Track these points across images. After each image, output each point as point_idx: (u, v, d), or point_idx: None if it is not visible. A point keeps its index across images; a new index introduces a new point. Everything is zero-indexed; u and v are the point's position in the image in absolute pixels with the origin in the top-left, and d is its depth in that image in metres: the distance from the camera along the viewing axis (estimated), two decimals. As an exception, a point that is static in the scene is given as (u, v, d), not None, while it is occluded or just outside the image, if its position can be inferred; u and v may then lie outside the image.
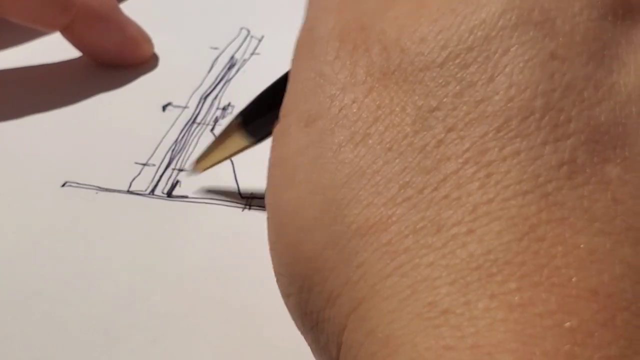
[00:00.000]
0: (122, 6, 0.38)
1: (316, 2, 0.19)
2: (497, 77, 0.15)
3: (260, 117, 0.25)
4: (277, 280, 0.18)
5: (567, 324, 0.13)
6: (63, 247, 0.27)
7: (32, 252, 0.27)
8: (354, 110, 0.16)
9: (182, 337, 0.24)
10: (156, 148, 0.32)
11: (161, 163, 0.31)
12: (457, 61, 0.16)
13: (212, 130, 0.33)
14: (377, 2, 0.18)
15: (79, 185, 0.30)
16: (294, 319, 0.18)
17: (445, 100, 0.16)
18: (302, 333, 0.18)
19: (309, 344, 0.18)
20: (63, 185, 0.30)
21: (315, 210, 0.16)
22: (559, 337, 0.13)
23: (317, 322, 0.16)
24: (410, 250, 0.15)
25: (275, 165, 0.18)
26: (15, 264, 0.27)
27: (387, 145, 0.16)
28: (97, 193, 0.30)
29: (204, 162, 0.28)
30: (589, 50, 0.15)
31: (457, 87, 0.16)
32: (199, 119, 0.34)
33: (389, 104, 0.16)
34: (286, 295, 0.18)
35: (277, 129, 0.19)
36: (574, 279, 0.14)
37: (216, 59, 0.37)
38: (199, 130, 0.33)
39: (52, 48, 0.37)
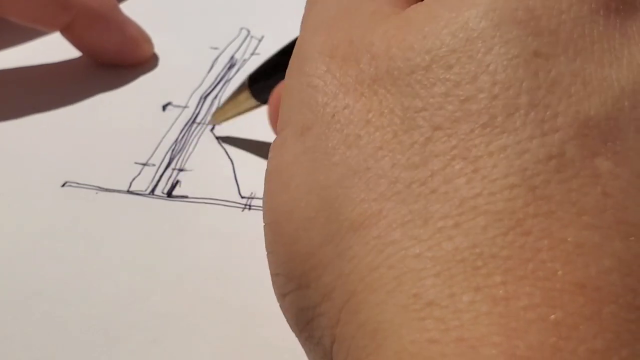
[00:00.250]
0: (122, 6, 0.38)
1: (306, 23, 0.20)
2: (480, 75, 0.16)
3: (265, 81, 0.29)
4: (274, 283, 0.18)
5: (552, 317, 0.13)
6: (63, 247, 0.27)
7: (32, 252, 0.27)
8: (346, 115, 0.17)
9: (182, 337, 0.24)
10: (156, 148, 0.32)
11: (161, 163, 0.31)
12: (441, 63, 0.16)
13: (212, 130, 0.33)
14: (366, 20, 0.18)
15: (79, 185, 0.30)
16: (288, 318, 0.18)
17: (431, 100, 0.16)
18: (296, 332, 0.18)
19: (302, 344, 0.18)
20: (63, 185, 0.30)
21: (311, 210, 0.17)
22: (543, 331, 0.13)
23: (312, 317, 0.17)
24: (398, 242, 0.15)
25: (272, 174, 0.19)
26: (15, 264, 0.27)
27: (378, 145, 0.16)
28: (97, 193, 0.30)
29: (218, 115, 0.32)
30: (575, 46, 0.15)
31: (443, 88, 0.16)
32: (198, 119, 0.34)
33: (378, 107, 0.17)
34: (282, 295, 0.18)
35: (274, 143, 0.19)
36: (559, 273, 0.14)
37: (216, 59, 0.37)
38: (199, 130, 0.33)
39: (52, 48, 0.37)
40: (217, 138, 0.32)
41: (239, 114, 0.31)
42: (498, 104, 0.15)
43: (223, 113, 0.32)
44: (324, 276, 0.16)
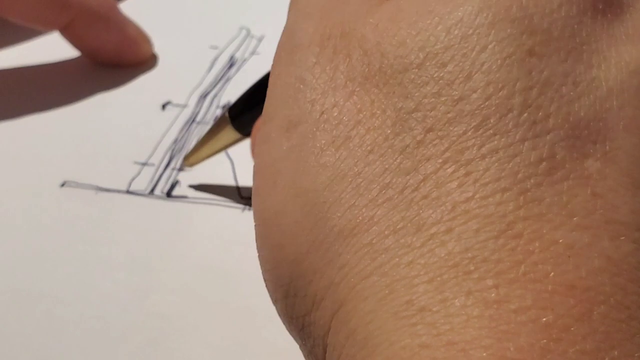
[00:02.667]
0: (122, 6, 0.38)
1: (296, 7, 0.19)
2: (474, 74, 0.15)
3: (247, 112, 0.27)
4: (266, 286, 0.18)
5: (543, 319, 0.13)
6: (63, 247, 0.27)
7: (31, 252, 0.27)
8: (335, 114, 0.17)
9: (182, 337, 0.24)
10: (156, 147, 0.32)
11: (161, 162, 0.31)
12: (435, 61, 0.16)
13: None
14: (358, 8, 0.18)
15: (78, 185, 0.30)
16: (283, 323, 0.18)
17: (424, 100, 0.16)
18: (292, 336, 0.18)
19: (299, 347, 0.18)
20: (62, 185, 0.30)
21: (298, 214, 0.16)
22: (533, 333, 0.13)
23: (303, 326, 0.16)
24: (390, 250, 0.15)
25: (258, 171, 0.18)
26: (15, 264, 0.27)
27: (368, 148, 0.16)
28: (96, 193, 0.30)
29: (193, 157, 0.29)
30: (566, 47, 0.15)
31: (435, 87, 0.16)
32: (198, 118, 0.33)
33: (369, 107, 0.16)
34: (274, 300, 0.18)
35: (259, 135, 0.19)
36: (551, 275, 0.14)
37: (216, 58, 0.37)
38: (199, 129, 0.33)
39: (52, 48, 0.37)
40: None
41: (218, 151, 0.29)
42: (491, 105, 0.15)
43: (199, 154, 0.29)
44: (312, 285, 0.16)
